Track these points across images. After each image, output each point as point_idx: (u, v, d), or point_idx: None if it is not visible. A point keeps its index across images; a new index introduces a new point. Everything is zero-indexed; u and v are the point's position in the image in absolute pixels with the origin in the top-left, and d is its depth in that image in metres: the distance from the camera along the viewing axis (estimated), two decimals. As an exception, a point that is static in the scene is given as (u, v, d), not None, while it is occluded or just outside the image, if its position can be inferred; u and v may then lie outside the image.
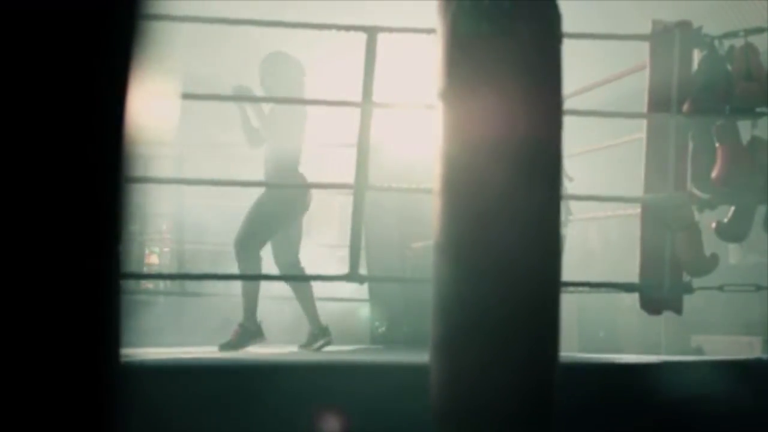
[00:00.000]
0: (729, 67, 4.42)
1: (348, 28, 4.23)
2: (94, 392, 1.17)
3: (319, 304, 5.31)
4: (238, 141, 5.41)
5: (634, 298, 4.53)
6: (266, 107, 5.21)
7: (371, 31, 4.15)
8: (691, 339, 7.72)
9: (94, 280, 1.17)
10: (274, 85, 5.20)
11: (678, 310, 4.42)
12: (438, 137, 2.23)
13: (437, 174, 2.23)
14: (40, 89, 1.15)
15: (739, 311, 7.09)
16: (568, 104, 2.47)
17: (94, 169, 1.17)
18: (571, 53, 2.34)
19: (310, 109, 5.26)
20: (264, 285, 5.26)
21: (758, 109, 4.44)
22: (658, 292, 4.37)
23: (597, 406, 3.60)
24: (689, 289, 4.39)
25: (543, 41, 2.24)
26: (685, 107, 4.37)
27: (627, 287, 4.63)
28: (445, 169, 2.21)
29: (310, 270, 5.20)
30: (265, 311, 5.23)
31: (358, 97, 4.14)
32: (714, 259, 4.42)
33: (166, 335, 5.79)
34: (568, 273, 4.01)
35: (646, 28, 4.54)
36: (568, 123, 2.34)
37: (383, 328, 6.20)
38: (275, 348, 5.12)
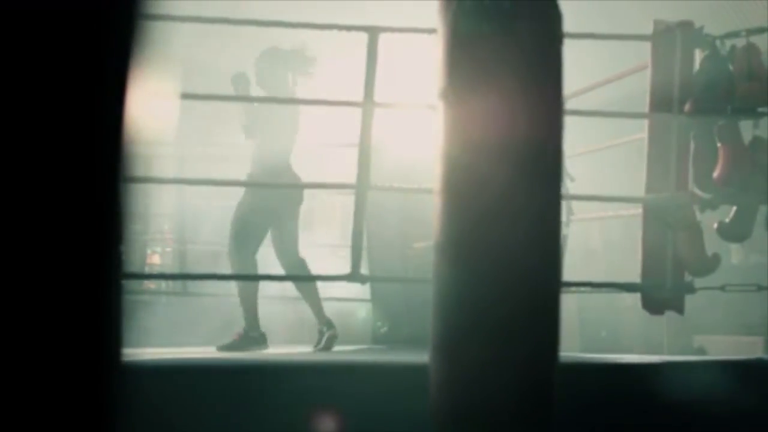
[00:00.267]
0: (731, 67, 4.42)
1: (349, 28, 4.23)
2: (94, 392, 1.17)
3: (321, 304, 5.30)
4: (237, 141, 5.40)
5: (635, 298, 4.53)
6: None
7: (372, 31, 4.15)
8: (693, 339, 7.72)
9: (95, 280, 1.17)
10: (267, 80, 5.17)
11: (680, 310, 4.42)
12: (439, 137, 2.23)
13: (438, 174, 2.23)
14: (40, 89, 1.15)
15: (740, 311, 7.09)
16: (569, 104, 2.47)
17: (94, 169, 1.17)
18: (572, 53, 2.34)
19: (310, 109, 5.25)
20: (263, 285, 5.23)
21: (760, 109, 4.43)
22: (660, 292, 4.36)
23: (597, 406, 3.60)
24: (691, 289, 4.38)
25: (544, 41, 2.24)
26: (687, 107, 4.36)
27: (629, 287, 4.63)
28: (446, 169, 2.21)
29: (311, 269, 5.19)
30: (264, 311, 5.22)
31: (359, 97, 4.14)
32: (716, 259, 4.42)
33: (168, 335, 5.78)
34: (569, 273, 4.04)
35: (648, 28, 4.54)
36: (570, 123, 2.33)
37: (385, 328, 6.20)
38: (275, 348, 5.12)
